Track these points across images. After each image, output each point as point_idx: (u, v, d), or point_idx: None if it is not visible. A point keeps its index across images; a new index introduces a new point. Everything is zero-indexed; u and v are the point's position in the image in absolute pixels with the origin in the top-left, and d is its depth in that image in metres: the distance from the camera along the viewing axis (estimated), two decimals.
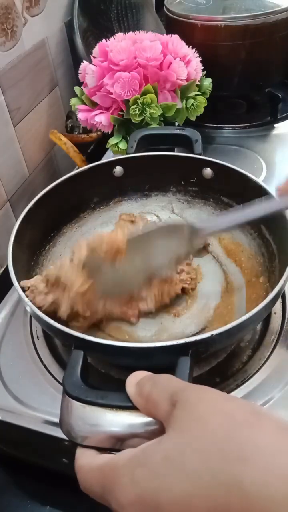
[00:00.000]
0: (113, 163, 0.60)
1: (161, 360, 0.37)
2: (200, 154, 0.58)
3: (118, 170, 0.60)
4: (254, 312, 0.38)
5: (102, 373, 0.48)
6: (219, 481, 0.22)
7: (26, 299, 0.42)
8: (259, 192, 0.52)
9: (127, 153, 0.60)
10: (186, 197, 0.63)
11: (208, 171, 0.58)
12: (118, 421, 0.30)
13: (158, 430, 0.28)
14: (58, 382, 0.47)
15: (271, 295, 0.40)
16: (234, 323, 0.37)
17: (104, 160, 0.60)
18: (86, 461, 0.29)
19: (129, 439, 0.29)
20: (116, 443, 0.29)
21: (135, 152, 0.60)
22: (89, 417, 0.31)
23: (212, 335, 0.36)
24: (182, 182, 0.62)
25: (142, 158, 0.60)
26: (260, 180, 0.53)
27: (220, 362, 0.48)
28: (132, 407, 0.29)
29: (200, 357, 0.39)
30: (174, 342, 0.36)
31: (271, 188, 0.51)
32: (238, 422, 0.24)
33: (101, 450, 0.30)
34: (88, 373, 0.36)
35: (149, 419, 0.29)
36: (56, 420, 0.43)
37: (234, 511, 0.22)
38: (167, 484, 0.23)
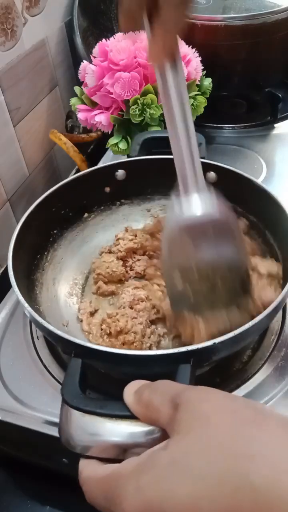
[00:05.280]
0: (115, 166, 0.60)
1: (162, 368, 0.37)
2: (203, 158, 0.58)
3: (120, 173, 0.60)
4: (257, 320, 0.37)
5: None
6: (226, 481, 0.22)
7: (26, 304, 0.41)
8: (263, 196, 0.51)
9: (130, 156, 0.60)
10: None
11: (212, 175, 0.58)
12: (118, 430, 0.29)
13: (160, 438, 0.28)
14: (58, 382, 0.47)
15: (274, 304, 0.39)
16: (237, 331, 0.36)
17: (106, 163, 0.60)
18: (90, 473, 0.29)
19: (131, 449, 0.29)
20: (118, 453, 0.29)
21: (138, 155, 0.60)
22: (89, 426, 0.31)
23: (214, 343, 0.35)
24: None
25: (145, 161, 0.59)
26: (260, 180, 0.53)
27: (220, 362, 0.47)
28: (132, 416, 0.29)
29: (202, 366, 0.38)
30: (175, 350, 0.35)
31: (274, 191, 0.51)
32: (243, 419, 0.24)
33: (105, 460, 0.29)
34: (87, 381, 0.35)
35: (150, 427, 0.28)
36: (56, 420, 0.43)
37: (246, 511, 0.21)
38: (173, 489, 0.23)
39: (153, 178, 0.62)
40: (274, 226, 0.52)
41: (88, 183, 0.58)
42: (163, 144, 0.61)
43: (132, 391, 0.30)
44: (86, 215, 0.61)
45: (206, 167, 0.58)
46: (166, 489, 0.23)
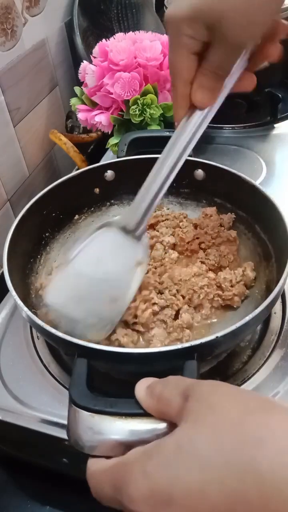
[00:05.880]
0: (104, 167, 0.60)
1: (166, 365, 0.37)
2: (191, 156, 0.58)
3: (109, 174, 0.60)
4: (257, 313, 0.38)
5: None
6: (233, 466, 0.22)
7: (25, 308, 0.41)
8: (252, 191, 0.51)
9: (117, 157, 0.60)
10: (178, 199, 0.63)
11: (199, 172, 0.58)
12: (127, 428, 0.29)
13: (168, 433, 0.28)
14: (58, 382, 0.47)
15: (272, 295, 0.40)
16: (238, 324, 0.37)
17: (95, 164, 0.60)
18: (97, 466, 0.29)
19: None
20: (126, 451, 0.29)
21: (126, 155, 0.60)
22: (98, 426, 0.30)
23: (216, 337, 0.36)
24: (174, 184, 0.61)
25: (133, 162, 0.59)
26: (259, 180, 0.53)
27: (220, 361, 0.48)
28: (142, 414, 0.29)
29: (205, 360, 0.39)
30: (179, 346, 0.35)
31: (267, 189, 0.51)
32: (251, 408, 0.24)
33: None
34: (94, 380, 0.35)
35: (159, 425, 0.28)
36: (56, 419, 0.43)
37: (252, 497, 0.21)
38: (179, 474, 0.23)
39: (142, 178, 0.61)
40: (264, 220, 0.52)
41: (77, 185, 0.58)
42: (150, 144, 0.62)
43: (144, 386, 0.30)
44: (76, 217, 0.61)
45: (194, 165, 0.58)
46: (173, 475, 0.23)
